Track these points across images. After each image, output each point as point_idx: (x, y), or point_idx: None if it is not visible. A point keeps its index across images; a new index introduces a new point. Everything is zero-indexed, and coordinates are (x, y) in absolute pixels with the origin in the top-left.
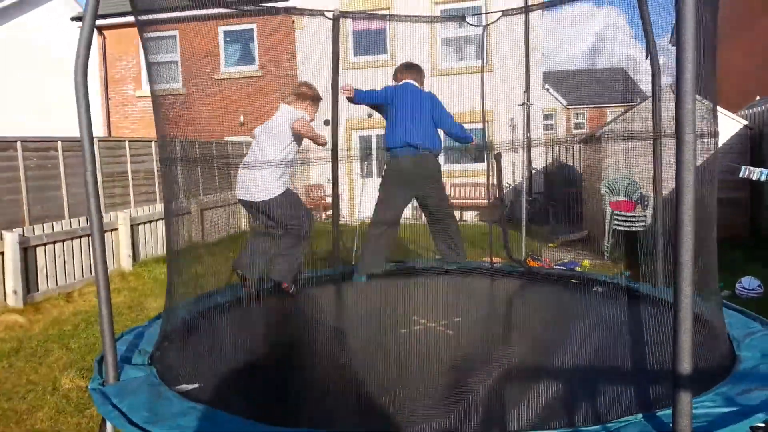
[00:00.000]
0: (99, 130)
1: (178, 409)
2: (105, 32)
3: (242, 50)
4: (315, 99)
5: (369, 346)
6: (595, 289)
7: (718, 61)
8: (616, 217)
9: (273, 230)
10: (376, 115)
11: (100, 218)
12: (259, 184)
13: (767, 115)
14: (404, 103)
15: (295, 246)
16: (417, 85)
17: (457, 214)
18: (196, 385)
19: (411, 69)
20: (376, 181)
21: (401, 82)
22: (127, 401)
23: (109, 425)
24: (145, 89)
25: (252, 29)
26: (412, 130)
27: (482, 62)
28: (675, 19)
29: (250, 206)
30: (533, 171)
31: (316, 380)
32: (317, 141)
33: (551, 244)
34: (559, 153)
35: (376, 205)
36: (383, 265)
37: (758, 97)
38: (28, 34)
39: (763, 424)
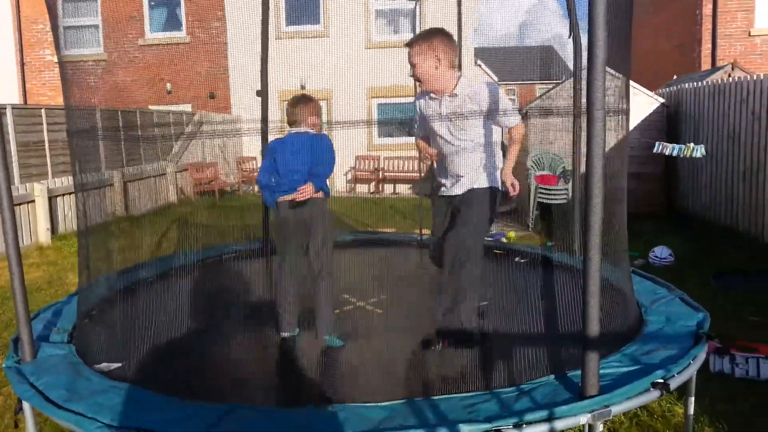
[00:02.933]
0: (14, 96)
1: (97, 388)
2: None
3: (168, 15)
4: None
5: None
6: (517, 259)
7: (639, 41)
8: (540, 190)
9: None
10: (309, 86)
11: (10, 192)
12: None
13: (682, 94)
14: (284, 155)
15: None
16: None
17: (389, 187)
18: (118, 365)
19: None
20: None
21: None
22: (45, 379)
23: (26, 404)
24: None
25: None
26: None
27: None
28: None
29: None
30: None
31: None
32: None
33: None
34: None
35: None
36: None
37: (675, 77)
38: None
39: (662, 380)
